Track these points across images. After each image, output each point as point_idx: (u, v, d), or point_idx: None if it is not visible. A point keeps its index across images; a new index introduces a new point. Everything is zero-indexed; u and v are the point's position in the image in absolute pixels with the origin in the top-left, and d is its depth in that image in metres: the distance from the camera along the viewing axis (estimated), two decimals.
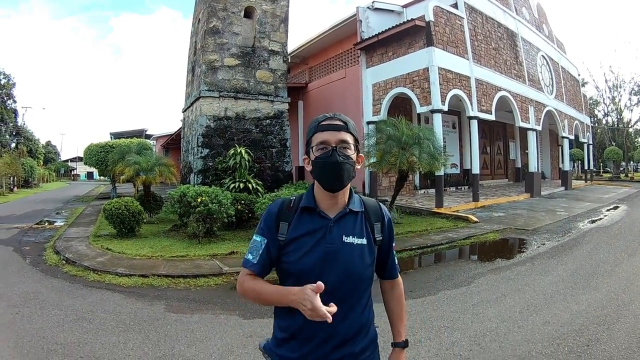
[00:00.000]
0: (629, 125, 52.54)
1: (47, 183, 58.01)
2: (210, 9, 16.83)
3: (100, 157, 27.36)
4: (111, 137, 46.75)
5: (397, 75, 18.00)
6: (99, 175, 38.85)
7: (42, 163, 65.00)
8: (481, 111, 18.35)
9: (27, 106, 65.44)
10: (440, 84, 16.50)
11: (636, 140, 55.94)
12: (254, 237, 2.06)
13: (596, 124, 52.36)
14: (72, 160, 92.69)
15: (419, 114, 18.86)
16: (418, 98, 17.07)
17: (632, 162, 54.04)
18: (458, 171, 24.41)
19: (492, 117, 19.20)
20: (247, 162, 14.66)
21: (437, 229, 13.01)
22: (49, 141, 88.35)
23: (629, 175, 48.67)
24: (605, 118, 53.93)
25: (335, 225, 1.95)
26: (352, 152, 1.95)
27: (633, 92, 51.27)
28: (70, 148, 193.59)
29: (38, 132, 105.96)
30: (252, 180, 14.44)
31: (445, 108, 16.74)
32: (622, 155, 44.45)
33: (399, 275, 2.21)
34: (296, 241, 1.96)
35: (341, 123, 1.95)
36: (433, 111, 16.44)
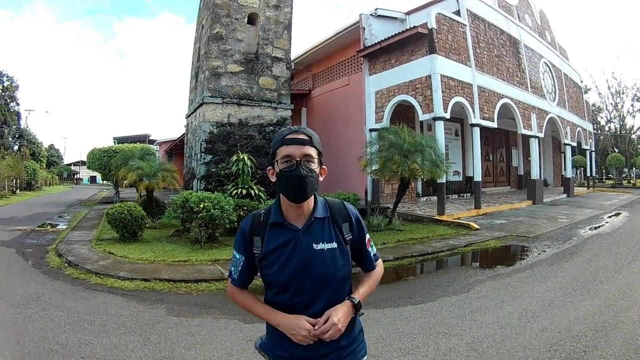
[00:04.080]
0: (632, 132, 52.49)
1: (50, 186, 58.17)
2: (214, 15, 16.92)
3: (103, 161, 27.43)
4: (114, 142, 46.92)
5: (400, 83, 18.04)
6: (102, 180, 38.97)
7: (44, 166, 65.18)
8: (483, 119, 18.37)
9: (30, 109, 65.68)
10: (442, 92, 16.52)
11: (639, 146, 55.86)
12: (234, 252, 2.23)
13: (599, 131, 52.31)
14: (75, 164, 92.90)
15: (421, 122, 18.75)
16: (420, 105, 17.10)
17: (634, 169, 53.97)
18: (460, 178, 24.45)
19: (494, 125, 19.21)
20: (249, 169, 14.75)
21: (438, 236, 13.01)
22: (52, 144, 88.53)
23: (632, 181, 48.64)
24: (608, 125, 53.89)
25: (304, 235, 2.06)
26: (315, 166, 2.05)
27: (636, 98, 51.22)
28: (73, 152, 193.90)
29: (41, 135, 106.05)
30: (254, 187, 14.51)
31: (448, 116, 16.77)
32: (624, 161, 44.40)
33: (379, 263, 2.30)
34: (271, 254, 2.08)
35: (306, 137, 2.04)
36: (435, 119, 16.47)
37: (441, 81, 16.58)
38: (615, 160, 42.41)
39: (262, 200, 14.04)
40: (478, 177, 18.21)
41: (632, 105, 51.49)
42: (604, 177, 56.66)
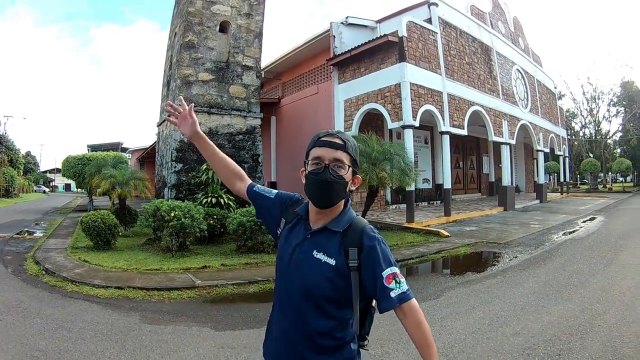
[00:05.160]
0: (608, 137, 53.06)
1: (26, 193, 57.65)
2: (187, 22, 16.86)
3: (77, 169, 27.52)
4: (88, 150, 46.83)
5: (369, 91, 18.10)
6: (77, 188, 38.75)
7: (22, 173, 64.49)
8: (453, 126, 18.48)
9: (8, 115, 64.98)
10: (412, 100, 16.59)
11: (615, 151, 56.47)
12: (272, 192, 2.34)
13: (573, 137, 52.81)
14: (51, 171, 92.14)
15: (390, 130, 18.67)
16: (389, 114, 17.16)
17: (610, 173, 54.54)
18: (430, 186, 24.49)
19: (464, 132, 19.30)
20: (219, 178, 14.68)
21: (407, 243, 13.05)
22: (29, 151, 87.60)
23: (607, 186, 49.15)
24: (583, 130, 54.43)
25: (311, 238, 2.01)
26: (345, 172, 1.98)
27: (612, 103, 51.82)
28: (49, 159, 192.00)
29: (18, 141, 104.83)
30: (224, 196, 14.43)
31: (417, 124, 16.84)
32: (599, 166, 44.86)
33: (410, 303, 1.94)
34: (284, 238, 2.11)
35: (340, 142, 1.98)
36: (404, 127, 16.53)
37: (411, 89, 16.65)
38: (590, 165, 42.83)
39: (231, 208, 13.94)
40: (448, 184, 18.29)
41: (608, 110, 52.14)
42: (579, 182, 57.20)
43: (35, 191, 69.36)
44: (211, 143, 2.43)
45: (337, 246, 1.96)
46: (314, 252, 1.97)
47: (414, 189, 16.36)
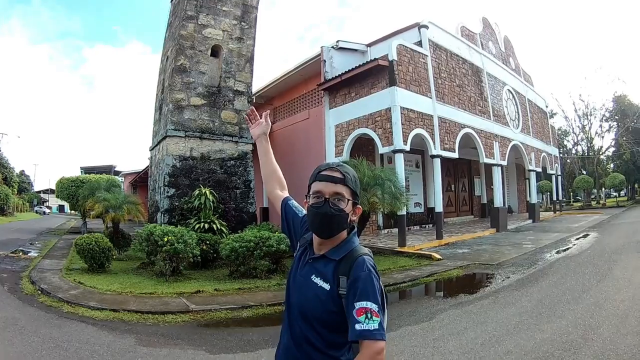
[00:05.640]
0: (601, 152, 53.22)
1: (21, 213, 57.49)
2: (179, 46, 16.96)
3: (71, 191, 27.58)
4: (81, 172, 46.92)
5: (360, 116, 18.09)
6: (70, 209, 38.73)
7: (16, 192, 64.32)
8: (444, 149, 18.49)
9: (3, 133, 65.00)
10: (402, 124, 16.59)
11: (608, 166, 56.63)
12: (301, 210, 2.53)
13: (565, 155, 52.99)
14: (45, 191, 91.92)
15: (381, 154, 18.75)
16: (380, 139, 17.16)
17: (603, 189, 54.65)
18: (422, 210, 24.41)
19: (455, 155, 19.28)
20: (211, 203, 14.85)
21: (400, 267, 12.98)
22: (23, 170, 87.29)
23: (601, 202, 49.21)
24: (575, 147, 54.58)
25: (312, 263, 2.14)
26: (345, 205, 2.08)
27: (604, 118, 51.97)
28: (42, 179, 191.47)
29: (12, 160, 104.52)
30: (216, 221, 14.57)
31: (407, 148, 16.83)
32: (592, 183, 44.92)
33: (371, 343, 1.86)
34: (296, 260, 2.27)
35: (340, 175, 2.10)
36: (395, 151, 16.52)
37: (401, 113, 16.65)
38: (583, 183, 42.90)
39: (224, 234, 14.06)
40: (439, 208, 18.26)
41: (600, 126, 52.27)
42: (572, 200, 57.28)
43: (36, 212, 69.28)
44: (270, 148, 2.81)
45: (332, 273, 2.05)
46: (313, 277, 2.09)
47: (405, 213, 16.29)
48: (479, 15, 25.02)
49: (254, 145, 14.53)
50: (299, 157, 21.10)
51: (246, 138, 17.62)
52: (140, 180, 39.22)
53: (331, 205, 2.05)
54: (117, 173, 51.51)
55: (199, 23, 17.48)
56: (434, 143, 18.02)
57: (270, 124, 2.89)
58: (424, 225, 23.63)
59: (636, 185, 50.43)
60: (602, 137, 53.31)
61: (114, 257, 13.31)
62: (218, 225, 14.43)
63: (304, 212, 2.38)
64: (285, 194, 2.66)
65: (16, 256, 15.41)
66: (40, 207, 76.32)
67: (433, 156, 18.19)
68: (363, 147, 19.48)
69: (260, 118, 2.87)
